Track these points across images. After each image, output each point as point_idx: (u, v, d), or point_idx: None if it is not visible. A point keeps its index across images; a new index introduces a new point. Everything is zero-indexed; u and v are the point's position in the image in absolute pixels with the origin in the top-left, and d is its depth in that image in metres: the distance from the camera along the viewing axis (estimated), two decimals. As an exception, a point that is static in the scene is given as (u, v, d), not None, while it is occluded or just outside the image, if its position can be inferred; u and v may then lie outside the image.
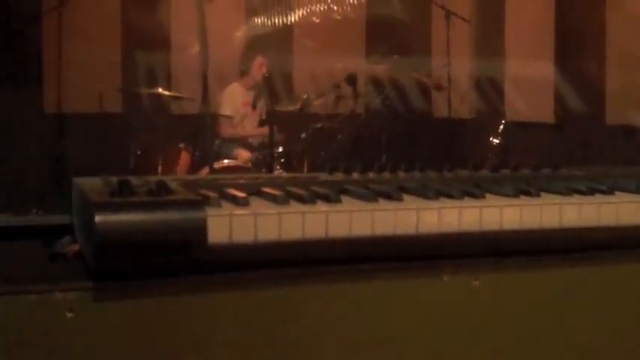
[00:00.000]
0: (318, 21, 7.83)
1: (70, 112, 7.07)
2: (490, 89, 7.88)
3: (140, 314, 1.44)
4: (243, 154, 6.84)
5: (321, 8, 7.84)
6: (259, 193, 1.71)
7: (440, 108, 7.89)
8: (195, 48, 6.12)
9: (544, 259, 1.71)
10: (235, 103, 7.12)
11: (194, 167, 6.53)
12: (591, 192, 1.82)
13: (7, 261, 1.67)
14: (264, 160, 6.69)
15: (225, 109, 7.03)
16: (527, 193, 1.77)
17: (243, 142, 7.06)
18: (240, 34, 7.85)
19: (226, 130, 7.04)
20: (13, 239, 1.81)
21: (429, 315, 1.63)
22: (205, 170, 6.26)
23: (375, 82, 7.61)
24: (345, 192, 1.74)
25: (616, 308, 1.75)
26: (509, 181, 1.91)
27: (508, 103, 7.81)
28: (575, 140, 7.11)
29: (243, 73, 7.19)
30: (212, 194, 1.60)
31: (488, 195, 1.75)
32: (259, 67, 7.10)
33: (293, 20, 7.89)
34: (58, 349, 1.39)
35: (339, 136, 6.98)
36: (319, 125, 6.91)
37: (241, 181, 1.81)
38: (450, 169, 2.01)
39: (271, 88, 6.79)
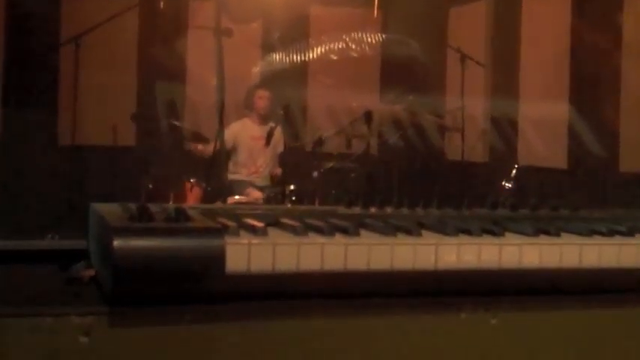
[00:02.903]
0: (333, 58, 7.86)
1: (85, 144, 7.09)
2: (503, 132, 7.88)
3: (155, 341, 1.42)
4: (254, 193, 6.83)
5: (337, 46, 7.87)
6: (277, 224, 1.70)
7: (453, 150, 7.89)
8: (211, 82, 6.15)
9: (563, 300, 1.69)
10: (244, 137, 7.13)
11: (205, 203, 6.53)
12: (611, 233, 1.80)
13: (22, 284, 1.66)
14: (276, 198, 6.69)
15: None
16: (547, 233, 1.76)
17: (254, 178, 7.07)
18: (251, 69, 7.90)
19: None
20: (29, 263, 1.81)
21: (445, 352, 1.61)
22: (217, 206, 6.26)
23: (389, 122, 7.62)
24: (364, 226, 1.73)
25: (635, 351, 1.72)
26: (528, 221, 1.90)
27: (521, 146, 7.80)
28: (587, 186, 7.09)
29: (248, 107, 7.22)
30: (230, 223, 1.59)
31: (507, 233, 1.74)
32: (259, 99, 7.14)
33: (309, 57, 7.92)
34: (71, 374, 1.38)
35: (352, 175, 6.99)
36: (332, 164, 6.92)
37: (259, 212, 1.80)
38: (468, 206, 2.00)
39: (285, 125, 6.82)
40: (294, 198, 6.67)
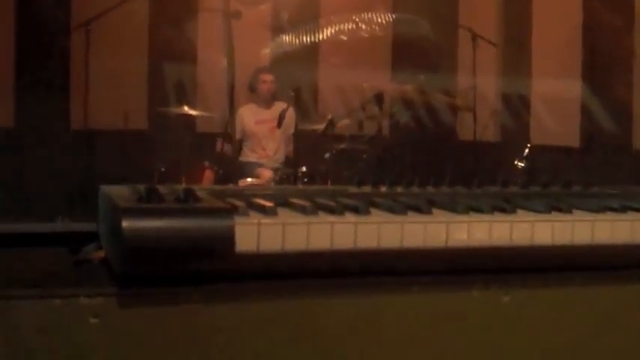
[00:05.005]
0: (344, 39, 7.83)
1: (96, 128, 7.09)
2: (515, 111, 7.84)
3: (165, 321, 1.42)
4: (266, 174, 6.82)
5: (347, 27, 7.84)
6: (287, 204, 1.70)
7: (466, 130, 7.85)
8: (222, 64, 6.14)
9: (575, 276, 1.67)
10: (249, 123, 7.11)
11: (217, 185, 6.53)
12: (624, 209, 1.79)
13: (32, 266, 1.66)
14: (287, 180, 6.68)
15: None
16: (559, 210, 1.74)
17: (265, 161, 7.05)
18: (261, 51, 7.87)
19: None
20: (40, 246, 1.81)
21: (457, 330, 1.60)
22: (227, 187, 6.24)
23: (401, 102, 7.58)
24: (374, 204, 1.72)
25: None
26: (539, 198, 1.88)
27: (534, 125, 7.76)
28: (600, 164, 7.05)
29: (252, 91, 7.20)
30: (240, 203, 1.59)
31: (518, 210, 1.73)
32: (263, 84, 7.11)
33: (319, 38, 7.89)
34: (81, 355, 1.38)
35: (364, 156, 6.96)
36: (343, 146, 6.89)
37: (268, 192, 1.80)
38: (478, 185, 1.99)
39: (297, 107, 6.79)
40: (305, 180, 6.65)
